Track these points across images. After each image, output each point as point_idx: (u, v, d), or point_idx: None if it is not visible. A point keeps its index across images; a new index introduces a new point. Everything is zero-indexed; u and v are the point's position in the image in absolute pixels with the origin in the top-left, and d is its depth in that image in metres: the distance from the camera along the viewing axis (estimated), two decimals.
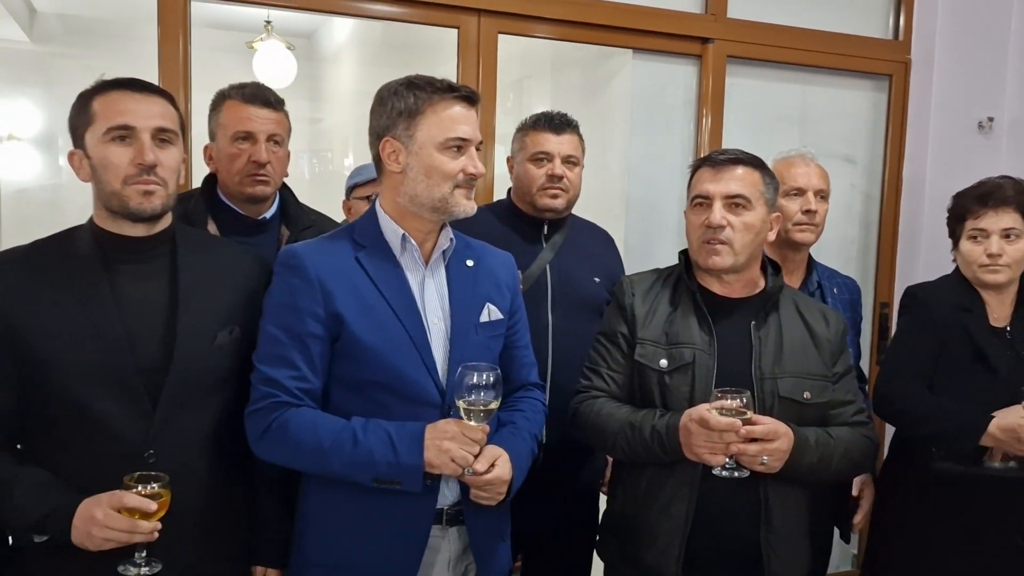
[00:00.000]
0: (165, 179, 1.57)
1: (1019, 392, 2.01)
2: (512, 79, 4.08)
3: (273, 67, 5.72)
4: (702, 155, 2.35)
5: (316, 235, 2.07)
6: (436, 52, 3.08)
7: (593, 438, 1.90)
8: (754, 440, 1.68)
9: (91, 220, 1.63)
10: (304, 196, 2.58)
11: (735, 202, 1.83)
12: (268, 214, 2.15)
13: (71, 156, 1.60)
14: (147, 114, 1.55)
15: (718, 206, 1.83)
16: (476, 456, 1.58)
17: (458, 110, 1.65)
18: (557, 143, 2.28)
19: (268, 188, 2.09)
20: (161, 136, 1.57)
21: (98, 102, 1.55)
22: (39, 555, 1.51)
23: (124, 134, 1.53)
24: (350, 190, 2.50)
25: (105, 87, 1.57)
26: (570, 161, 2.30)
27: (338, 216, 2.44)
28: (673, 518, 1.79)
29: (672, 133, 3.29)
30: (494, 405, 1.58)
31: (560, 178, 2.27)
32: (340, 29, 6.42)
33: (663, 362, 1.82)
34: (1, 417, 1.54)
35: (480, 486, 1.62)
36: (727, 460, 1.69)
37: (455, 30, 2.87)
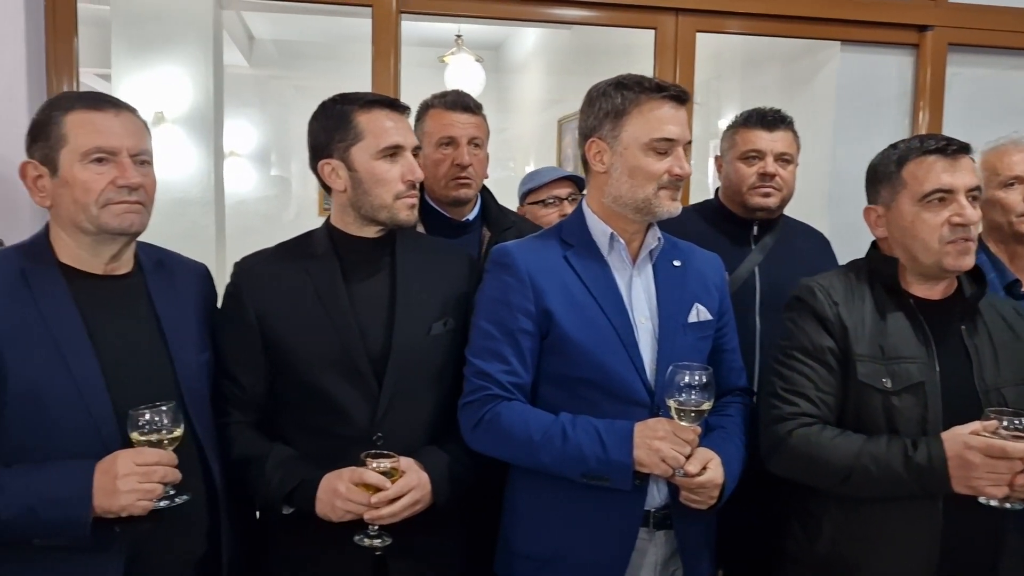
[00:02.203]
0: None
1: None
2: (700, 79, 4.00)
3: (463, 79, 5.95)
4: None
5: (516, 236, 2.13)
6: (624, 56, 3.08)
7: (811, 470, 1.64)
8: None
9: (327, 223, 1.75)
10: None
11: (973, 195, 1.67)
12: (471, 216, 2.23)
13: (323, 166, 1.71)
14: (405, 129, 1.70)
15: (965, 201, 1.65)
16: (687, 457, 1.55)
17: (666, 110, 1.63)
18: (770, 140, 2.20)
19: (471, 190, 2.17)
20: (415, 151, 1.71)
21: (364, 119, 1.67)
22: (286, 525, 1.65)
23: (394, 152, 1.67)
24: (524, 196, 2.54)
25: (369, 104, 1.68)
26: (784, 159, 2.21)
27: None
28: (915, 557, 1.62)
29: (882, 129, 3.08)
30: (706, 406, 1.54)
31: (772, 176, 2.19)
32: (527, 39, 6.57)
33: (886, 381, 1.63)
34: (253, 398, 1.69)
35: (692, 488, 1.58)
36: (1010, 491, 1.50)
37: (651, 31, 2.85)
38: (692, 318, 1.71)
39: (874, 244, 1.80)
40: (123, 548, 1.46)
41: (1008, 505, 1.51)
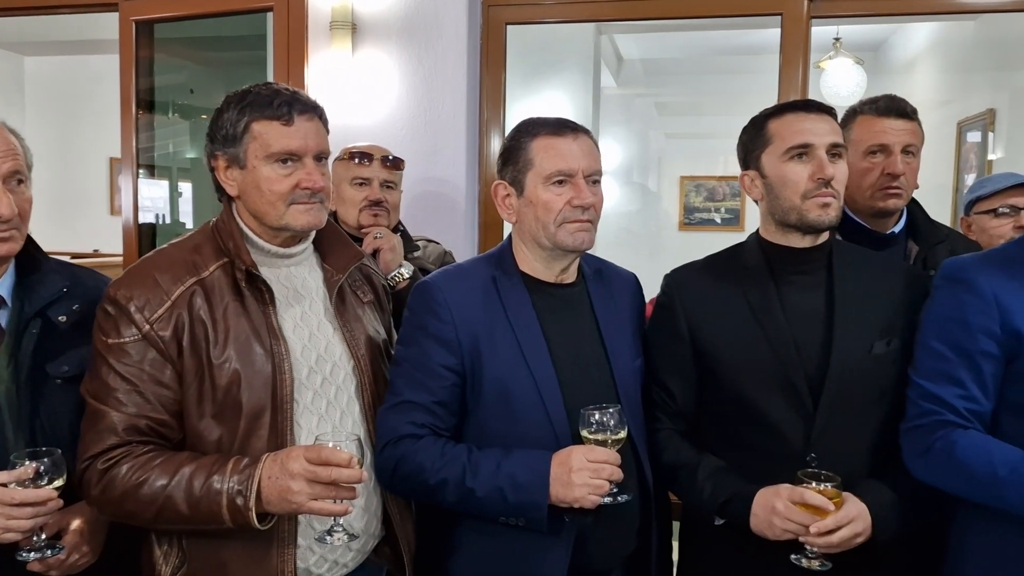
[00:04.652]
0: (838, 191, 1.64)
1: None
2: None
3: (841, 84, 5.61)
4: None
5: (948, 251, 1.95)
6: None
7: None
8: None
9: (757, 233, 1.75)
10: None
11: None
12: (896, 229, 2.09)
13: (742, 177, 1.74)
14: (822, 131, 1.64)
15: None
16: None
17: None
18: None
19: (900, 201, 2.04)
20: (833, 151, 1.64)
21: (775, 124, 1.67)
22: (718, 538, 1.66)
23: (803, 151, 1.63)
24: (970, 205, 2.29)
25: (781, 110, 1.68)
26: None
27: None
28: None
29: None
30: None
31: None
32: (915, 36, 6.01)
33: None
34: (683, 407, 1.73)
35: None
36: None
37: None
38: None
39: None
40: (571, 536, 1.58)
41: None
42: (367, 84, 2.85)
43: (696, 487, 1.64)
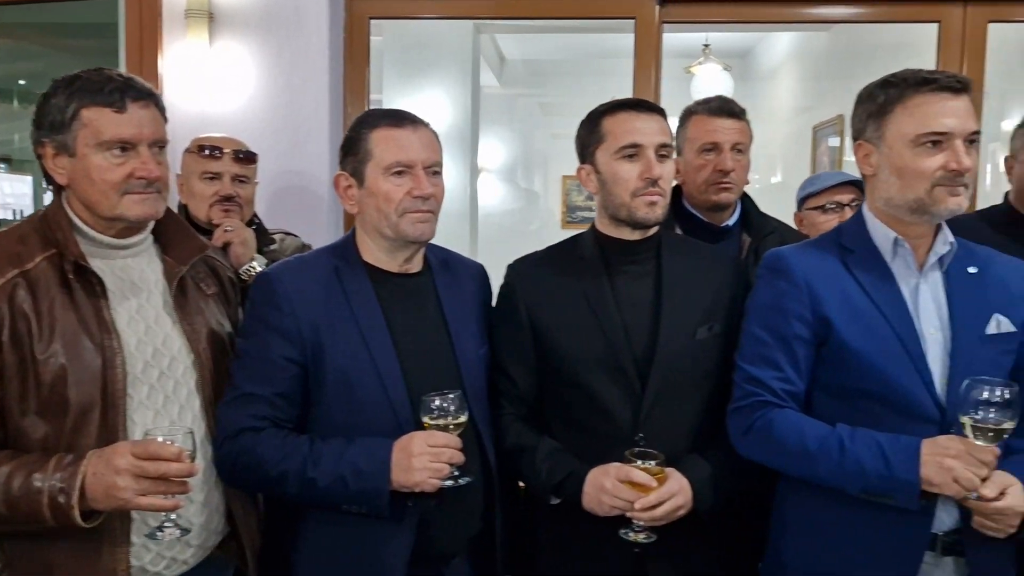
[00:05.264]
0: (664, 190, 1.71)
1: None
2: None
3: (710, 89, 5.86)
4: None
5: (778, 242, 2.08)
6: (892, 55, 2.87)
7: None
8: None
9: (593, 227, 1.82)
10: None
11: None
12: (730, 221, 2.20)
13: (579, 171, 1.80)
14: (651, 131, 1.71)
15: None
16: (983, 480, 1.43)
17: (936, 102, 1.52)
18: None
19: (731, 195, 2.16)
20: (662, 152, 1.71)
21: (608, 122, 1.73)
22: (553, 514, 1.73)
23: (633, 152, 1.70)
24: (802, 201, 2.45)
25: (614, 108, 1.75)
26: None
27: None
28: None
29: None
30: (1008, 426, 1.41)
31: None
32: (777, 45, 6.34)
33: None
34: (524, 393, 1.79)
35: (987, 514, 1.45)
36: None
37: (933, 25, 2.65)
38: (991, 329, 1.57)
39: None
40: (414, 521, 1.61)
41: None
42: (225, 76, 2.78)
43: (535, 468, 1.70)
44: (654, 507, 1.58)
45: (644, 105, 1.76)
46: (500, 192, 7.67)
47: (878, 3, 2.69)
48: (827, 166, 5.14)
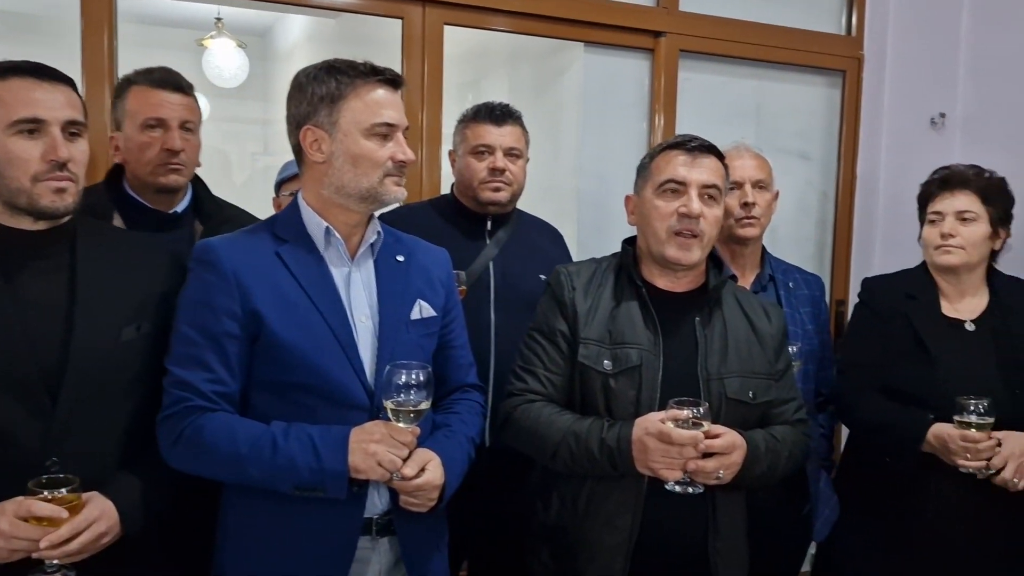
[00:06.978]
0: (77, 175, 1.48)
1: (956, 403, 1.92)
2: (469, 78, 4.00)
3: (224, 65, 5.60)
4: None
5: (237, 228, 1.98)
6: (389, 47, 2.98)
7: (529, 446, 1.75)
8: (710, 454, 1.59)
9: None
10: (262, 199, 2.48)
11: (709, 193, 1.74)
12: (180, 207, 2.02)
13: None
14: (56, 104, 1.45)
15: (695, 195, 1.72)
16: (405, 460, 1.50)
17: (382, 94, 1.57)
18: (498, 135, 2.20)
19: (182, 177, 1.98)
20: (72, 129, 1.47)
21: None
22: None
23: (33, 127, 1.43)
24: (279, 186, 2.40)
25: (5, 72, 1.45)
26: (512, 153, 2.21)
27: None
28: (618, 531, 1.69)
29: (624, 128, 3.22)
30: (424, 406, 1.50)
31: (502, 171, 2.19)
32: (293, 27, 6.30)
33: (607, 364, 1.71)
34: None
35: (410, 492, 1.53)
36: (683, 475, 1.60)
37: (399, 21, 2.78)
38: (415, 315, 1.66)
39: (629, 240, 1.87)
40: None
41: (690, 490, 1.61)
42: None
43: None
44: (67, 541, 1.36)
45: (51, 73, 1.49)
46: None
47: None
48: None
